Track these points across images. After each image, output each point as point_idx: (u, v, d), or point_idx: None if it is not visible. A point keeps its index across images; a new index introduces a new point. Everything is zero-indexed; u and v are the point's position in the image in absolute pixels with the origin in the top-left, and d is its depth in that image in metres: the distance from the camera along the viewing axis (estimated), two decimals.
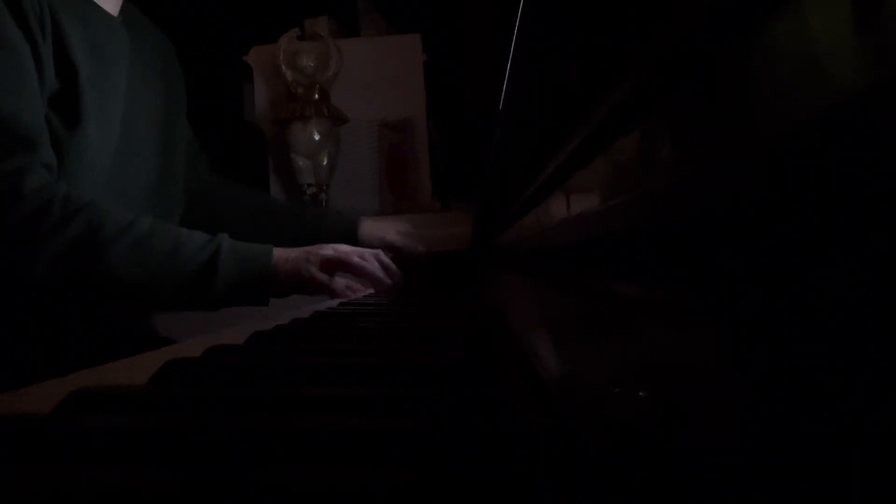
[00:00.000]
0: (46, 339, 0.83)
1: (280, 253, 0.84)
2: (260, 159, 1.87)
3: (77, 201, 0.75)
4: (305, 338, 0.53)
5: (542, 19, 0.45)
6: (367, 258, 0.89)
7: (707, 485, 0.14)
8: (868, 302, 0.10)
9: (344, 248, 0.88)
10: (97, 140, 0.85)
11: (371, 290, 0.97)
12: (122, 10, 0.94)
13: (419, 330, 0.60)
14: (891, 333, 0.09)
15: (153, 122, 0.98)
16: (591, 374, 0.25)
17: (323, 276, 0.84)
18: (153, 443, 0.23)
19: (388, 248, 1.05)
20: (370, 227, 1.14)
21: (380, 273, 0.90)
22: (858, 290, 0.10)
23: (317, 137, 1.74)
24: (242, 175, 1.91)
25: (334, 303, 0.88)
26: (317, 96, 1.75)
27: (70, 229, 0.73)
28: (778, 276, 0.13)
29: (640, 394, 0.19)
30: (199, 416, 0.26)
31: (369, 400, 0.29)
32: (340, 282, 0.88)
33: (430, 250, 1.26)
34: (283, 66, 1.78)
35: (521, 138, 0.56)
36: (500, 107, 0.79)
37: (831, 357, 0.11)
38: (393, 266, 0.93)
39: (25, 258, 0.73)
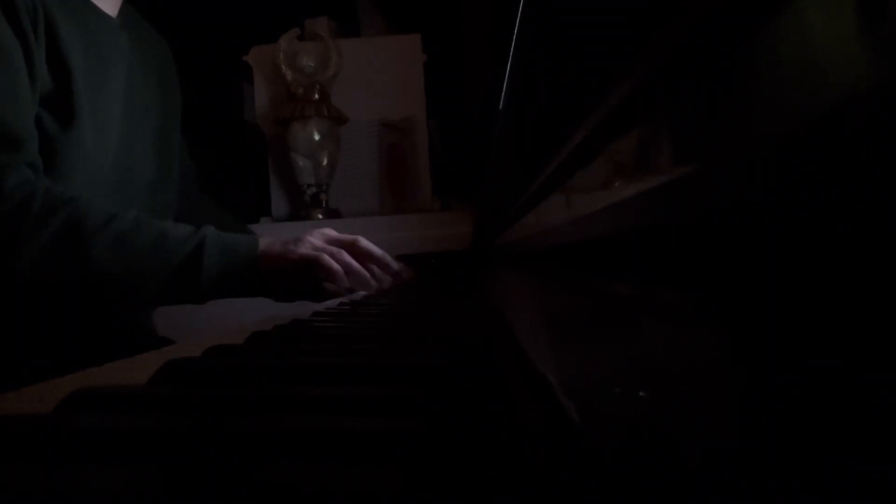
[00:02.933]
0: (46, 339, 0.83)
1: (266, 242, 0.81)
2: (260, 159, 1.87)
3: (59, 196, 0.74)
4: (305, 338, 0.53)
5: (542, 19, 0.45)
6: (347, 256, 0.83)
7: (708, 485, 0.14)
8: (867, 301, 0.10)
9: (331, 235, 0.84)
10: (93, 140, 0.84)
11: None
12: (121, 12, 0.94)
13: (419, 330, 0.60)
14: (891, 334, 0.09)
15: (151, 123, 0.98)
16: (591, 374, 0.25)
17: (312, 252, 0.80)
18: (153, 443, 0.23)
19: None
20: None
21: (363, 275, 0.84)
22: (858, 290, 0.10)
23: (317, 137, 1.74)
24: (242, 175, 1.91)
25: (334, 303, 0.88)
26: (317, 96, 1.75)
27: (51, 224, 0.73)
28: (778, 276, 0.13)
29: (640, 394, 0.19)
30: (198, 416, 0.26)
31: (369, 400, 0.29)
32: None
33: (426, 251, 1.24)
34: (283, 66, 1.78)
35: (521, 138, 0.56)
36: (500, 107, 0.79)
37: (832, 357, 0.11)
38: (378, 254, 0.86)
39: (8, 254, 0.72)
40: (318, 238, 0.83)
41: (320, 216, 1.74)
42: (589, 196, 0.27)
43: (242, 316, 0.81)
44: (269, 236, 0.85)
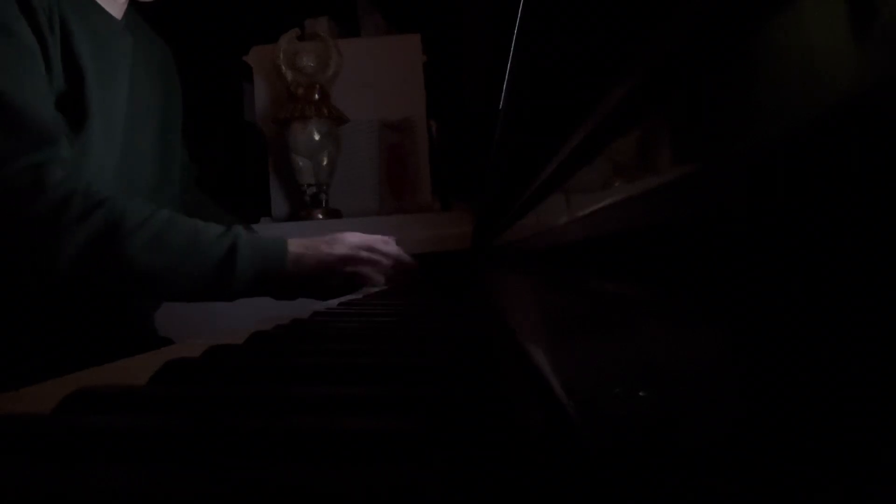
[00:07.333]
0: (47, 339, 0.83)
1: (295, 243, 0.83)
2: (260, 159, 1.87)
3: (97, 194, 0.75)
4: (305, 338, 0.53)
5: (542, 19, 0.45)
6: (379, 249, 0.88)
7: (708, 485, 0.14)
8: (867, 304, 0.10)
9: (353, 242, 0.87)
10: (101, 142, 0.85)
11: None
12: (126, 15, 0.95)
13: (419, 330, 0.60)
14: (890, 335, 0.09)
15: (153, 125, 0.99)
16: (591, 374, 0.25)
17: (349, 252, 0.83)
18: (153, 443, 0.23)
19: None
20: None
21: (389, 264, 0.89)
22: (857, 292, 0.10)
23: (317, 137, 1.74)
24: (242, 175, 1.91)
25: (334, 303, 0.88)
26: (317, 96, 1.75)
27: (91, 222, 0.73)
28: (777, 277, 0.13)
29: (640, 394, 0.19)
30: (198, 416, 0.26)
31: (369, 400, 0.29)
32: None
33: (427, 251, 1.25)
34: (283, 66, 1.78)
35: (522, 138, 0.56)
36: (500, 107, 0.79)
37: (831, 357, 0.11)
38: (403, 254, 0.91)
39: (48, 251, 0.73)
40: (349, 239, 0.85)
41: (320, 216, 1.74)
42: (589, 196, 0.27)
43: (243, 316, 0.81)
44: (280, 235, 0.88)
